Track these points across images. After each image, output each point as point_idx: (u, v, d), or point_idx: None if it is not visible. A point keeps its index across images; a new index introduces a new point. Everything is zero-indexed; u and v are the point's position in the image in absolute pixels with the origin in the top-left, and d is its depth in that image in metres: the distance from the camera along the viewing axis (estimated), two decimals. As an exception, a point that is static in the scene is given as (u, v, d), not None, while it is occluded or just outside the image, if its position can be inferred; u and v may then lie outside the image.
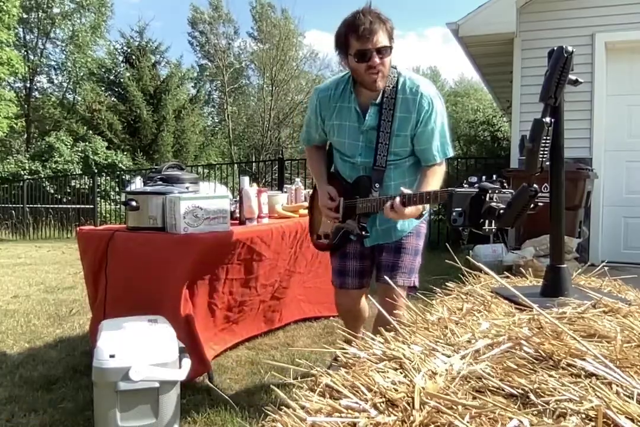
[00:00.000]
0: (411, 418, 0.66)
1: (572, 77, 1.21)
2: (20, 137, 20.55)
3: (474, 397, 0.71)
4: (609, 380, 0.72)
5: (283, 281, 2.99)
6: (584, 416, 0.64)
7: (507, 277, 1.56)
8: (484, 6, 5.13)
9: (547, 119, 1.17)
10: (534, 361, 0.81)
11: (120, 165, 14.41)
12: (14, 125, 17.35)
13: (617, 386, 0.71)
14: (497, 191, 1.31)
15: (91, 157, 14.35)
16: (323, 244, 2.23)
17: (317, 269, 3.24)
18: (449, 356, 0.85)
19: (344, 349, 0.94)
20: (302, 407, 0.73)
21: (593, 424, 0.63)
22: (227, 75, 22.45)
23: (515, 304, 1.15)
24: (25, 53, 19.11)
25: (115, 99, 17.85)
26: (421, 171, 2.00)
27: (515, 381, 0.74)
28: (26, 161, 14.18)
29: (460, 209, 1.33)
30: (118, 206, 11.92)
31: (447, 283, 1.41)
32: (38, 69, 20.07)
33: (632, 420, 0.63)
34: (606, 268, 1.57)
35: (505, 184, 1.32)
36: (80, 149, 14.56)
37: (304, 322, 3.27)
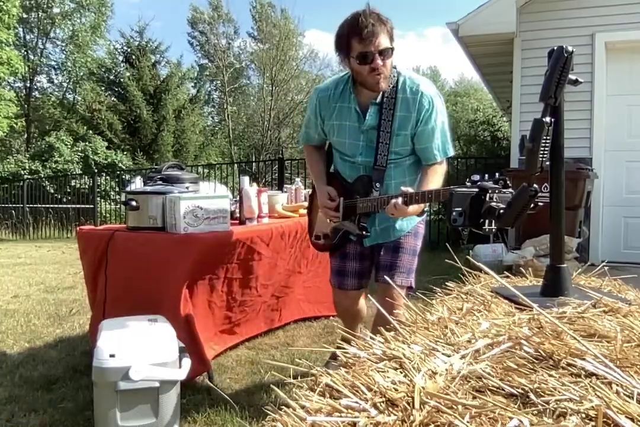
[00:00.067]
0: (411, 418, 0.66)
1: (572, 77, 1.21)
2: (20, 137, 20.55)
3: (474, 397, 0.71)
4: (609, 380, 0.72)
5: (283, 281, 2.99)
6: (584, 415, 0.64)
7: (507, 277, 1.56)
8: (484, 6, 5.13)
9: (547, 119, 1.17)
10: (534, 360, 0.80)
11: (120, 165, 14.40)
12: (14, 125, 17.34)
13: (617, 385, 0.71)
14: (497, 191, 1.31)
15: (91, 157, 14.34)
16: (322, 245, 2.23)
17: (317, 268, 3.24)
18: (449, 356, 0.85)
19: (343, 348, 0.94)
20: (302, 407, 0.73)
21: (593, 423, 0.63)
22: (227, 75, 22.44)
23: (515, 303, 1.15)
24: (25, 53, 19.10)
25: (115, 99, 17.84)
26: (422, 170, 2.01)
27: (515, 380, 0.74)
28: (26, 161, 14.17)
29: (460, 208, 1.33)
30: (118, 206, 11.91)
31: (447, 283, 1.41)
32: (38, 69, 20.07)
33: (632, 420, 0.63)
34: (606, 268, 1.57)
35: (508, 182, 1.32)
36: (80, 148, 14.56)
37: (303, 322, 3.27)
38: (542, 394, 0.70)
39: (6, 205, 11.50)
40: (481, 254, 4.52)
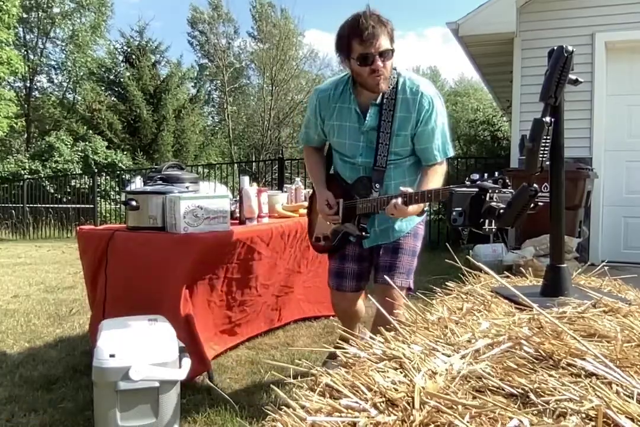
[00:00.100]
0: (411, 418, 0.66)
1: (572, 76, 1.21)
2: (20, 136, 20.55)
3: (474, 397, 0.71)
4: (609, 380, 0.72)
5: (283, 281, 3.00)
6: (584, 415, 0.64)
7: (507, 276, 1.56)
8: (484, 6, 5.13)
9: (547, 119, 1.17)
10: (534, 360, 0.80)
11: (120, 164, 14.40)
12: (14, 125, 17.34)
13: (617, 385, 0.71)
14: (497, 191, 1.31)
15: (91, 156, 14.34)
16: (322, 246, 2.23)
17: (317, 268, 3.24)
18: (449, 356, 0.85)
19: (343, 348, 0.94)
20: (302, 407, 0.73)
21: (593, 423, 0.63)
22: (227, 75, 22.44)
23: (515, 303, 1.15)
24: (25, 53, 19.10)
25: (115, 99, 17.84)
26: (422, 170, 2.01)
27: (515, 380, 0.74)
28: (26, 161, 14.17)
29: (460, 208, 1.33)
30: (118, 206, 11.92)
31: (447, 283, 1.41)
32: (38, 69, 20.07)
33: (632, 420, 0.63)
34: (606, 268, 1.57)
35: (508, 181, 1.32)
36: (80, 148, 14.55)
37: (303, 321, 3.27)
38: (542, 394, 0.70)
39: (6, 205, 11.50)
40: (481, 254, 4.52)
